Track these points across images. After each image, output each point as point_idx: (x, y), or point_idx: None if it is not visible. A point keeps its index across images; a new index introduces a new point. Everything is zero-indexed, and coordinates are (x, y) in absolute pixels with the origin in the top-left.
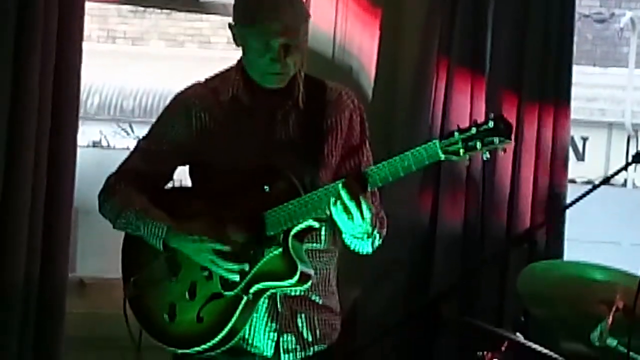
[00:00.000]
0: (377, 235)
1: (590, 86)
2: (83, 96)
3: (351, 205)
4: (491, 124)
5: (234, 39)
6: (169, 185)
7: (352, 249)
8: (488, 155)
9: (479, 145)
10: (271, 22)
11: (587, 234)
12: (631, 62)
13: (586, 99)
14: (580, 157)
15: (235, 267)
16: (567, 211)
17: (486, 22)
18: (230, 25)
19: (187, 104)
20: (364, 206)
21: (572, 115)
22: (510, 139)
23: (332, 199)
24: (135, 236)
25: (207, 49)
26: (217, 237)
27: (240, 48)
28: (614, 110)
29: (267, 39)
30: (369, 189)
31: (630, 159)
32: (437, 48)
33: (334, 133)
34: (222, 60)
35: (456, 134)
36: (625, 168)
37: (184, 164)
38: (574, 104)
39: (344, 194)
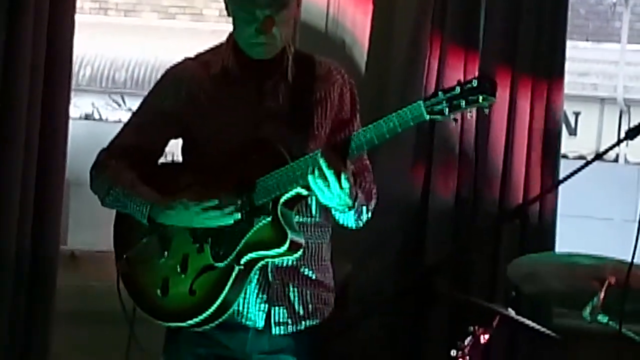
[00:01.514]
0: (364, 209)
1: (583, 61)
2: (75, 68)
3: (328, 174)
4: (475, 82)
5: (226, 9)
6: (162, 160)
7: (340, 223)
8: (472, 114)
9: (463, 103)
10: None
11: (580, 209)
12: (624, 37)
13: (578, 73)
14: (573, 131)
15: (232, 207)
16: (560, 186)
17: None
18: None
19: (177, 77)
20: (342, 176)
21: (565, 90)
22: (495, 96)
23: (310, 168)
24: (125, 214)
25: (198, 22)
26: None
27: (231, 19)
28: (607, 85)
29: (253, 8)
30: (354, 154)
31: (622, 135)
32: (430, 23)
33: (324, 105)
34: (213, 33)
35: (440, 93)
36: (617, 144)
37: (175, 137)
38: (566, 78)
39: (321, 161)
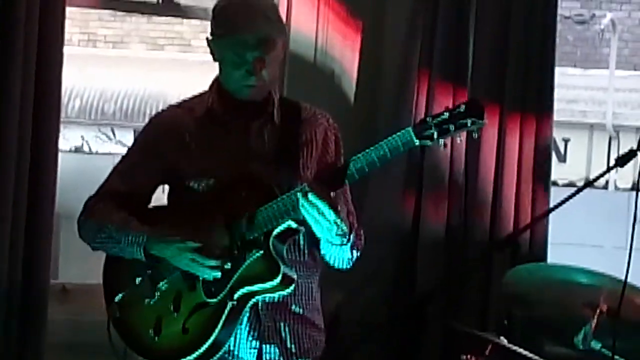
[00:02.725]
0: (355, 247)
1: (571, 87)
2: (64, 100)
3: (318, 201)
4: (463, 107)
5: (212, 54)
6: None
7: (331, 264)
8: (461, 139)
9: (452, 128)
10: (247, 34)
11: (570, 237)
12: (612, 63)
13: (567, 100)
14: (562, 158)
15: (217, 262)
16: (550, 215)
17: (467, 34)
18: (207, 40)
19: (162, 124)
20: (329, 206)
21: (554, 118)
22: (483, 120)
23: (301, 199)
24: (116, 257)
25: (187, 52)
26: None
27: (217, 63)
28: (595, 111)
29: (243, 51)
30: (346, 182)
31: (612, 161)
32: (418, 60)
33: (309, 147)
34: (202, 63)
35: (429, 119)
36: (607, 172)
37: (162, 183)
38: (555, 105)
39: (310, 193)
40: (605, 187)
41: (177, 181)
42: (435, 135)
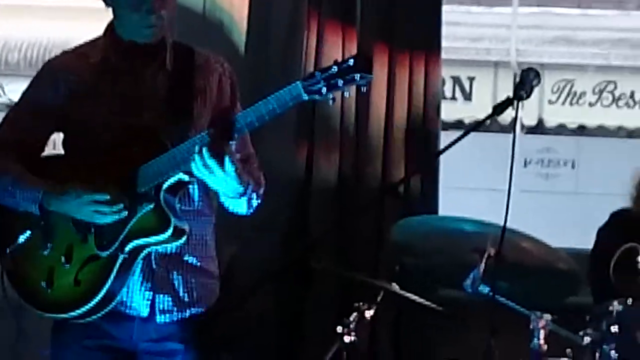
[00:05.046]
0: (254, 195)
1: (476, 26)
2: None
3: (207, 157)
4: (351, 61)
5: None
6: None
7: (230, 210)
8: (349, 93)
9: (340, 82)
10: None
11: (466, 181)
12: (515, 0)
13: (471, 38)
14: (468, 96)
15: (120, 206)
16: (444, 158)
17: None
18: None
19: (55, 70)
20: (226, 159)
21: (458, 56)
22: (371, 74)
23: (193, 153)
24: (7, 207)
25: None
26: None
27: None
28: (500, 49)
29: None
30: (236, 137)
31: (492, 106)
32: (307, 2)
33: (203, 95)
34: (104, 11)
35: (317, 73)
36: (485, 120)
37: (56, 130)
38: (459, 44)
39: (204, 148)
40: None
41: (69, 130)
42: (324, 91)
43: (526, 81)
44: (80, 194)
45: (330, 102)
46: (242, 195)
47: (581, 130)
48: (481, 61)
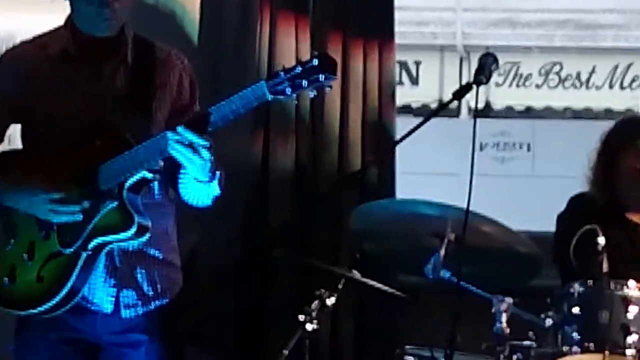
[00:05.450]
0: (219, 183)
1: (421, 9)
2: None
3: (195, 144)
4: (316, 61)
5: None
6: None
7: (190, 202)
8: (315, 92)
9: (305, 83)
10: None
11: (425, 166)
12: None
13: (416, 22)
14: (414, 81)
15: (76, 207)
16: (400, 145)
17: None
18: None
19: (13, 61)
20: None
21: (404, 40)
22: (336, 75)
23: (173, 141)
24: None
25: None
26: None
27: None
28: (445, 32)
29: None
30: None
31: (452, 92)
32: None
33: (163, 90)
34: (52, 2)
35: (282, 73)
36: (446, 105)
37: (14, 122)
38: (404, 28)
39: (186, 133)
40: (457, 114)
41: (28, 123)
42: (289, 91)
43: (485, 66)
44: (36, 192)
45: (294, 101)
46: (212, 179)
47: (528, 112)
48: (427, 45)
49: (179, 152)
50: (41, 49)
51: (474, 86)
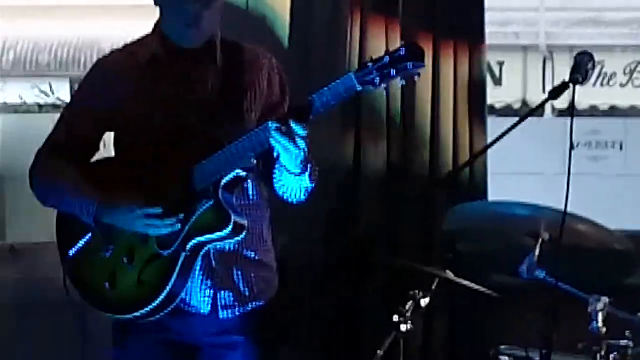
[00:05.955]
0: (312, 177)
1: (504, 10)
2: None
3: (294, 132)
4: (403, 51)
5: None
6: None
7: (286, 198)
8: (404, 82)
9: (393, 72)
10: None
11: (511, 166)
12: None
13: (500, 23)
14: (498, 81)
15: (173, 220)
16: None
17: None
18: None
19: (106, 70)
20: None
21: (488, 41)
22: (424, 63)
23: (273, 129)
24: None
25: None
26: (147, 201)
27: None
28: (528, 32)
29: (182, 5)
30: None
31: (548, 85)
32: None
33: (253, 90)
34: (134, 8)
35: (370, 64)
36: (542, 105)
37: (109, 130)
38: (488, 29)
39: (291, 122)
40: (542, 114)
41: (121, 131)
42: (378, 81)
43: (581, 65)
44: (133, 208)
45: (384, 92)
46: (304, 171)
47: (612, 111)
48: (510, 45)
49: (277, 141)
50: (131, 57)
51: (570, 85)
